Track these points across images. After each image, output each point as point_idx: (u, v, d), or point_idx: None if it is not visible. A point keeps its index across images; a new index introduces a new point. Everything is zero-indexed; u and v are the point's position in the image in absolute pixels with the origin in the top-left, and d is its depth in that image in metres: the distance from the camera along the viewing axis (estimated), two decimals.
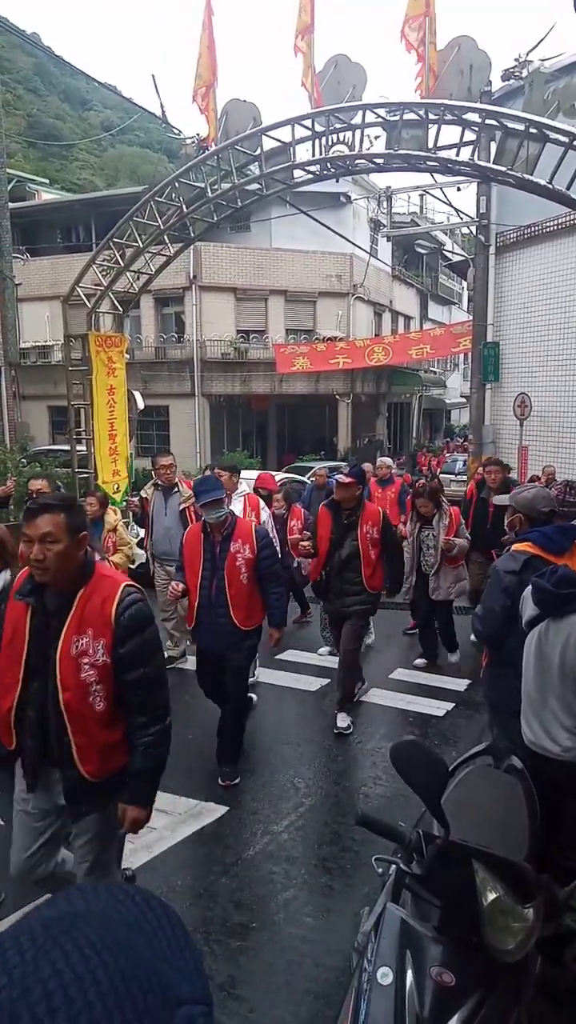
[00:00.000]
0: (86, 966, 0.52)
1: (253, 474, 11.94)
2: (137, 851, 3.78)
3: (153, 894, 0.65)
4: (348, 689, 5.57)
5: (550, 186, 7.93)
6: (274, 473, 11.32)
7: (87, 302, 10.16)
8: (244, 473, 8.10)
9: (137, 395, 11.60)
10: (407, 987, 1.89)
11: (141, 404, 11.95)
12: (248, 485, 7.29)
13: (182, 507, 6.62)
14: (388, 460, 10.06)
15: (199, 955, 0.65)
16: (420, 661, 7.05)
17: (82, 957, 0.52)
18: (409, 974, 1.91)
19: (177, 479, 6.94)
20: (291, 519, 7.54)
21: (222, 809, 4.25)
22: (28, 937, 0.54)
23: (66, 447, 11.88)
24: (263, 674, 6.60)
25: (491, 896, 1.91)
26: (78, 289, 10.11)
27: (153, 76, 20.33)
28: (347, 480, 5.31)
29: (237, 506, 6.30)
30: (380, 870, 2.23)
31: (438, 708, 5.96)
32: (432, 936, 1.95)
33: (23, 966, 0.51)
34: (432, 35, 8.53)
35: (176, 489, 6.78)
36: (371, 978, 1.93)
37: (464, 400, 26.83)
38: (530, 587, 2.98)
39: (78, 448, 10.52)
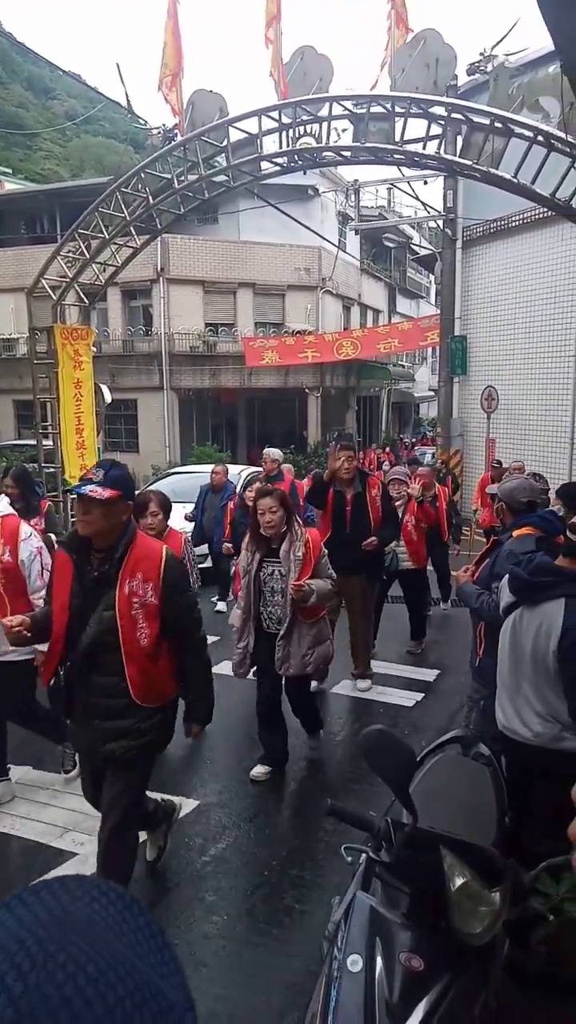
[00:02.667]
0: (95, 990, 0.48)
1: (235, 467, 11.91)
2: None
3: (124, 890, 0.62)
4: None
5: (515, 180, 8.02)
6: (231, 467, 11.25)
7: (52, 294, 10.03)
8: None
9: (104, 389, 11.49)
10: (376, 973, 1.91)
11: (109, 398, 11.83)
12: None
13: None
14: (275, 452, 8.84)
15: (176, 955, 0.64)
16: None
17: (88, 980, 0.49)
18: (378, 961, 1.93)
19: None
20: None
21: (192, 803, 4.24)
22: (25, 956, 0.49)
23: (32, 442, 11.73)
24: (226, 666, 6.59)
25: (458, 881, 1.94)
26: (43, 281, 9.97)
27: (118, 65, 20.10)
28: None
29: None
30: (350, 859, 2.24)
31: (408, 699, 6.01)
32: (401, 922, 1.98)
33: (28, 995, 0.47)
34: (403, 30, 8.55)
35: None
36: (341, 965, 1.95)
37: (432, 394, 27.04)
38: (507, 575, 3.04)
39: (45, 443, 10.39)
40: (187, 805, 4.21)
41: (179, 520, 8.62)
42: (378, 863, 2.07)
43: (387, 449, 25.06)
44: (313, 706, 5.06)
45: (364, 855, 2.18)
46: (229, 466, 13.23)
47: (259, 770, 4.53)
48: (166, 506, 4.49)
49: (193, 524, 8.39)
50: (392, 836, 2.05)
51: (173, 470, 13.87)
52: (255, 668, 4.53)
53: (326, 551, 4.48)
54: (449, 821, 2.23)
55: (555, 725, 2.76)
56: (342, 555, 5.19)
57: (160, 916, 3.27)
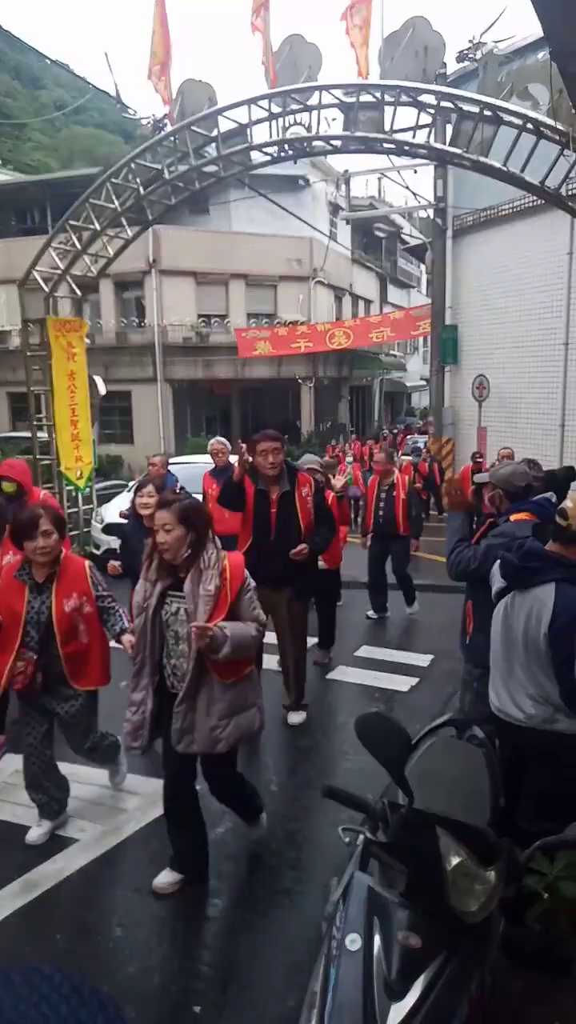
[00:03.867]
0: None
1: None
2: (107, 833, 3.80)
3: (82, 984, 0.57)
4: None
5: (505, 168, 8.02)
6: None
7: (44, 286, 9.99)
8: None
9: (98, 380, 11.47)
10: (375, 952, 1.95)
11: (103, 389, 11.82)
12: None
13: None
14: (221, 441, 8.00)
15: None
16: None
17: None
18: (377, 939, 1.97)
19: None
20: None
21: None
22: None
23: (27, 434, 11.70)
24: None
25: (454, 861, 1.98)
26: (35, 273, 9.93)
27: (106, 54, 19.94)
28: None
29: None
30: (347, 840, 2.28)
31: (403, 683, 6.06)
32: (398, 902, 2.02)
33: None
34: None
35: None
36: (340, 944, 1.99)
37: (424, 383, 27.07)
38: (498, 561, 3.08)
39: (39, 435, 10.37)
40: None
41: None
42: (375, 844, 2.11)
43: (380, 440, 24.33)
44: (242, 787, 3.58)
45: (361, 836, 2.22)
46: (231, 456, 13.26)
47: (163, 880, 3.34)
48: (59, 523, 3.58)
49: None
50: (388, 817, 2.09)
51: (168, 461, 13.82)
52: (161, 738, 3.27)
53: (252, 584, 3.24)
54: (444, 802, 2.27)
55: (547, 707, 2.81)
56: (266, 566, 4.41)
57: (162, 900, 3.31)
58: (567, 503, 2.91)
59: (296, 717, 5.21)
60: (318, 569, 5.57)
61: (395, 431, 23.30)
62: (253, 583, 3.25)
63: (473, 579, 3.67)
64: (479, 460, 11.23)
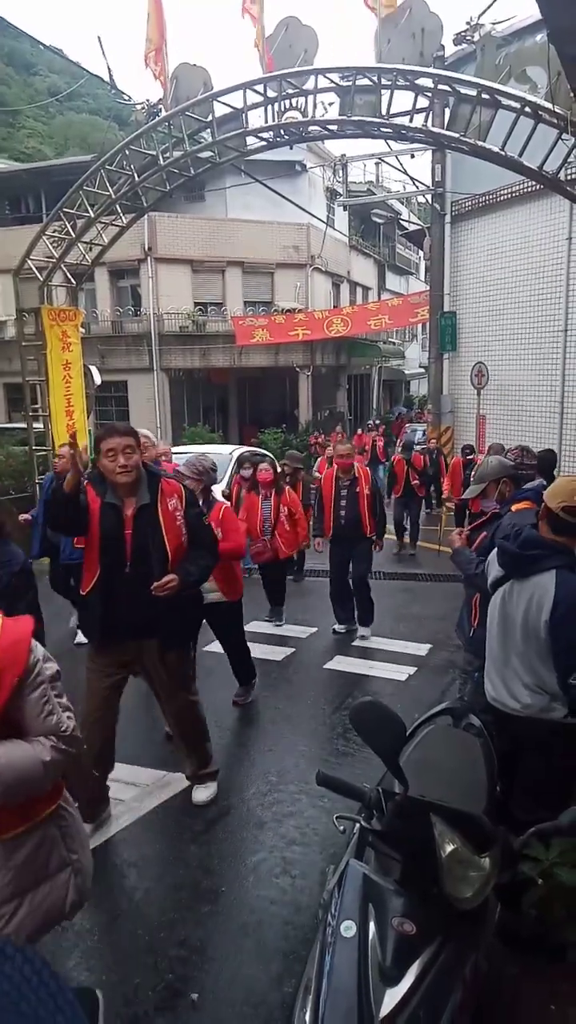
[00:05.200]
0: None
1: (215, 448, 11.90)
2: (105, 823, 3.81)
3: (31, 953, 0.56)
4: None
5: (503, 153, 7.95)
6: (222, 447, 11.24)
7: (39, 275, 9.94)
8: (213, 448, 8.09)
9: (94, 370, 11.42)
10: (370, 938, 1.95)
11: (98, 379, 11.77)
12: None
13: None
14: (145, 435, 5.69)
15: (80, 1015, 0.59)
16: None
17: None
18: (371, 926, 1.97)
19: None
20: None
21: None
22: None
23: (23, 425, 11.67)
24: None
25: (449, 848, 1.98)
26: (29, 262, 9.87)
27: (99, 39, 19.70)
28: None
29: None
30: (342, 828, 2.28)
31: (400, 673, 6.07)
32: (393, 889, 2.02)
33: None
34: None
35: None
36: (335, 931, 1.99)
37: (423, 371, 26.96)
38: (496, 549, 3.07)
39: (35, 425, 10.34)
40: (183, 781, 4.26)
41: None
42: (370, 832, 2.11)
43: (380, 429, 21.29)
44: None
45: (356, 824, 2.23)
46: (221, 447, 13.24)
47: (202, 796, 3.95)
48: None
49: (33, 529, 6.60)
50: (384, 805, 2.09)
51: None
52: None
53: (45, 673, 1.95)
54: (440, 790, 2.27)
55: (544, 696, 2.80)
56: (122, 608, 3.51)
57: (160, 890, 3.33)
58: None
59: (202, 793, 4.03)
60: (198, 607, 4.25)
61: (377, 423, 22.51)
62: (50, 669, 1.98)
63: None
64: (469, 456, 11.05)
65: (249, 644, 6.70)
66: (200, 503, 4.30)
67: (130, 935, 3.03)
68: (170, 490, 3.63)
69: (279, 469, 7.69)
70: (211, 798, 4.04)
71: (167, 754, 4.60)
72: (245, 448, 12.20)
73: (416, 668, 6.18)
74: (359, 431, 20.28)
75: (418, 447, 12.47)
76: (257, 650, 6.61)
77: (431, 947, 1.93)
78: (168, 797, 4.10)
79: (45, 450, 10.12)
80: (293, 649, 6.63)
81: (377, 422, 22.52)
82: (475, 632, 3.79)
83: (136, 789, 4.16)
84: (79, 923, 3.12)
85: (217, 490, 5.88)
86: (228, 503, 5.07)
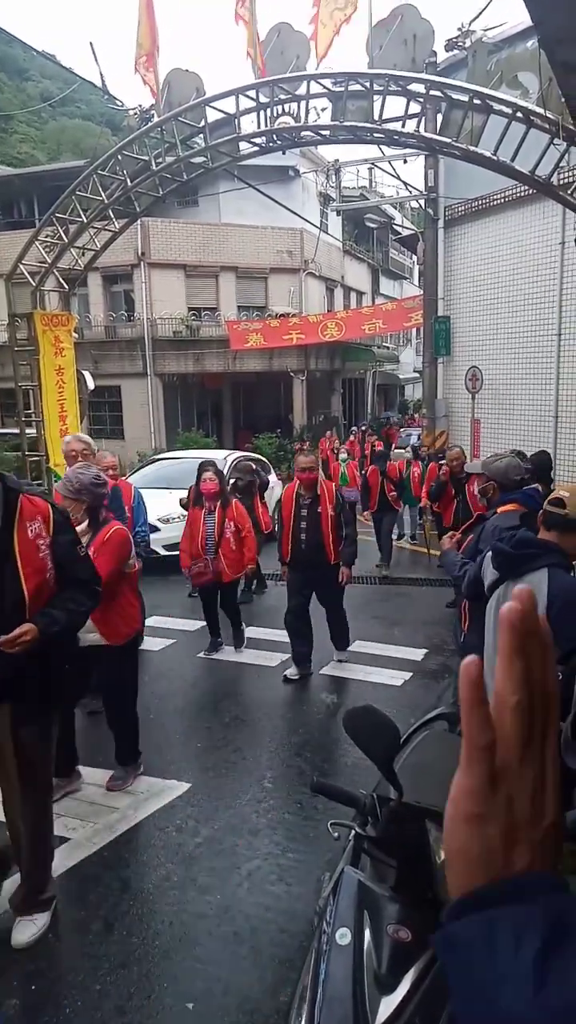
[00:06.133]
0: None
1: (210, 453, 11.88)
2: (100, 831, 3.79)
3: None
4: None
5: (495, 158, 7.98)
6: (216, 452, 11.16)
7: (31, 280, 9.92)
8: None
9: (87, 375, 11.40)
10: (365, 946, 1.94)
11: (91, 384, 11.75)
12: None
13: None
14: (82, 440, 5.37)
15: None
16: None
17: None
18: (367, 933, 1.96)
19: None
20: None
21: (184, 786, 4.27)
22: None
23: (16, 430, 11.65)
24: (227, 652, 6.64)
25: (443, 854, 1.97)
26: (21, 266, 9.86)
27: (92, 44, 19.73)
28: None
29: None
30: (336, 835, 2.27)
31: (396, 678, 6.06)
32: (389, 896, 2.00)
33: None
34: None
35: None
36: (330, 939, 1.98)
37: (417, 375, 26.98)
38: (490, 552, 3.06)
39: (28, 431, 10.32)
40: (178, 788, 4.24)
41: (173, 506, 8.38)
42: (365, 838, 2.10)
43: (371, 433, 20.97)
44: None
45: (351, 831, 2.21)
46: (215, 451, 13.22)
47: None
48: None
49: None
50: (378, 811, 2.07)
51: (159, 456, 13.82)
52: None
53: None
54: (435, 796, 2.26)
55: None
56: None
57: (154, 898, 3.30)
58: (563, 492, 2.90)
59: (25, 932, 3.00)
60: (73, 661, 3.35)
61: (363, 428, 21.83)
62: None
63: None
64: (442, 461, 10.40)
65: (245, 649, 6.62)
66: (90, 523, 3.81)
67: (124, 943, 3.01)
68: (31, 511, 2.78)
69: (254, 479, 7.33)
70: (35, 938, 2.97)
71: (162, 762, 4.58)
72: (240, 453, 12.20)
73: (411, 673, 6.17)
74: (350, 437, 20.11)
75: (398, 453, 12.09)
76: (250, 656, 6.61)
77: (427, 954, 1.92)
78: (163, 805, 4.08)
79: (38, 455, 10.10)
80: (287, 655, 6.62)
81: (363, 427, 22.08)
82: (466, 638, 3.79)
83: (131, 797, 4.14)
84: (74, 930, 3.10)
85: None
86: (122, 525, 4.12)
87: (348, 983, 1.87)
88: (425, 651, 6.69)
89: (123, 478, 7.44)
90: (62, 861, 3.54)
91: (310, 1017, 1.88)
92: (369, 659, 6.50)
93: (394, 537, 10.58)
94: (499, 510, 3.67)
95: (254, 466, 8.95)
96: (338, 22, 8.44)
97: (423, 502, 10.24)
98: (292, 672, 6.04)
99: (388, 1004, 1.83)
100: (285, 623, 6.11)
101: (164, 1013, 2.67)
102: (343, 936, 1.96)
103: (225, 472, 9.58)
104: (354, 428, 21.53)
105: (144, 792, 4.21)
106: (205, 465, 6.55)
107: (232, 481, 7.80)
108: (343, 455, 14.72)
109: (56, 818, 3.74)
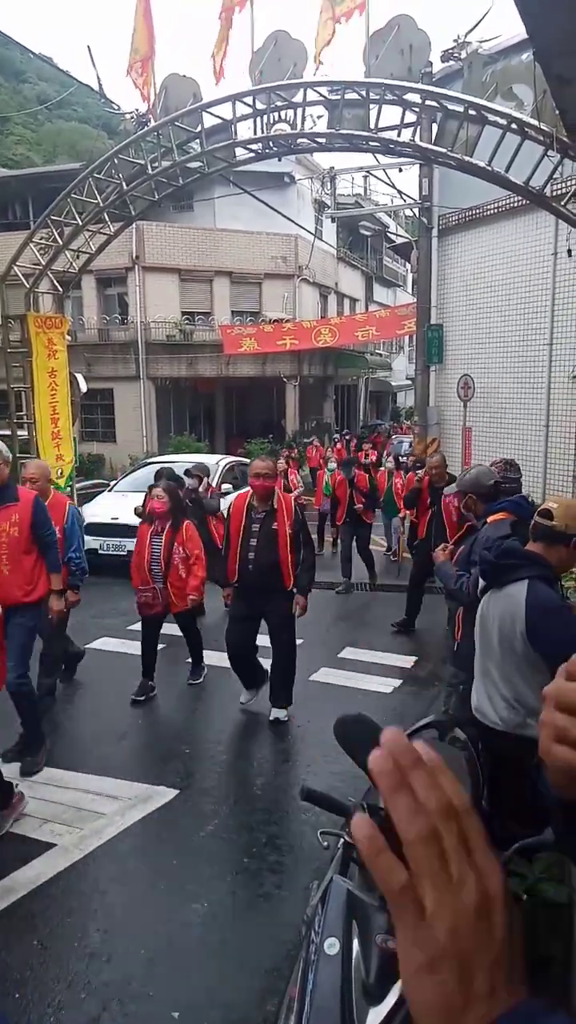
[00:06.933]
0: None
1: (202, 457, 11.87)
2: (87, 837, 3.76)
3: None
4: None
5: (489, 168, 8.02)
6: (209, 456, 11.14)
7: (25, 282, 9.89)
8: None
9: (80, 378, 11.37)
10: (353, 956, 1.93)
11: (84, 387, 11.72)
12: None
13: None
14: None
15: None
16: None
17: None
18: (355, 943, 1.95)
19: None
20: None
21: (172, 792, 4.25)
22: None
23: (7, 432, 11.59)
24: (212, 658, 6.61)
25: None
26: (15, 268, 9.83)
27: (89, 47, 19.78)
28: None
29: None
30: (325, 844, 2.26)
31: (385, 685, 6.06)
32: (377, 905, 2.00)
33: None
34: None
35: None
36: (319, 948, 1.97)
37: (409, 382, 27.07)
38: (479, 560, 3.09)
39: (19, 433, 10.28)
40: (167, 795, 4.22)
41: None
42: (354, 847, 2.09)
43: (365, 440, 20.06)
44: None
45: (340, 839, 2.20)
46: (207, 456, 13.20)
47: None
48: None
49: None
50: None
51: (151, 460, 13.78)
52: None
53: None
54: None
55: (519, 711, 2.79)
56: None
57: (142, 905, 3.28)
58: (552, 504, 2.91)
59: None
60: None
61: (347, 435, 20.70)
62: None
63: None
64: (420, 468, 9.91)
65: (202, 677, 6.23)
66: None
67: (109, 951, 2.99)
68: None
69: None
70: None
71: (149, 767, 4.56)
72: (232, 458, 12.18)
73: (401, 680, 6.18)
74: (337, 443, 19.63)
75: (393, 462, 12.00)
76: None
77: None
78: (151, 811, 4.06)
79: (30, 458, 10.05)
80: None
81: (347, 435, 20.69)
82: (459, 646, 3.80)
83: (118, 802, 4.12)
84: (59, 937, 3.07)
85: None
86: None
87: (336, 993, 1.87)
88: (415, 658, 6.69)
89: (60, 492, 6.81)
90: (48, 867, 3.51)
91: None
92: (359, 666, 6.50)
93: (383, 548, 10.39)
94: (489, 520, 3.68)
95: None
96: (339, 15, 8.51)
97: (401, 512, 9.93)
98: (245, 696, 5.44)
99: (376, 1014, 1.82)
100: (230, 661, 5.39)
101: (149, 1021, 2.65)
102: (331, 946, 1.96)
103: (217, 477, 9.56)
104: (336, 435, 20.13)
105: (131, 798, 4.18)
106: (160, 475, 5.96)
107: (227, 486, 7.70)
108: (332, 464, 14.20)
109: (43, 823, 3.72)
